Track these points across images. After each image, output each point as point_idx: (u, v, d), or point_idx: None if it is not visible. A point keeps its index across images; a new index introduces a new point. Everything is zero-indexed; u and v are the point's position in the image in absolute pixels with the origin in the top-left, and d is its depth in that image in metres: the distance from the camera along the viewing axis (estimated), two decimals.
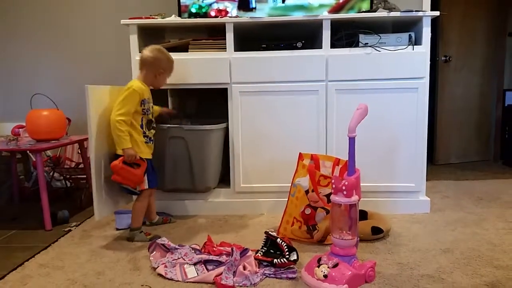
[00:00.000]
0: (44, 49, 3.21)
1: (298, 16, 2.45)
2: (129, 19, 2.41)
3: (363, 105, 1.63)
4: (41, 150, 2.38)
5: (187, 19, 2.58)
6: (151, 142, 2.16)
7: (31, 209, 2.70)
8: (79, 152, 2.99)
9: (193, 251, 1.86)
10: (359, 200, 1.61)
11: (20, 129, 2.74)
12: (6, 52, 3.23)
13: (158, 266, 1.75)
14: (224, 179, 2.60)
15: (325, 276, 1.52)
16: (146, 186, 2.10)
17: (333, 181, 1.61)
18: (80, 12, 3.15)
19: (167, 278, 1.67)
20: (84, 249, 2.02)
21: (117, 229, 2.27)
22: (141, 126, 2.09)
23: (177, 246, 1.88)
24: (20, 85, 3.23)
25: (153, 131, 2.17)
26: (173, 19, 2.48)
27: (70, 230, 2.29)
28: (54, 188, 3.00)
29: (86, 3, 3.13)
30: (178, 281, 1.66)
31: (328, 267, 1.54)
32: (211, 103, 2.80)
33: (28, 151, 2.97)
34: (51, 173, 3.01)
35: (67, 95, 2.79)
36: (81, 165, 2.95)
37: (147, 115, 2.11)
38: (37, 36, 3.20)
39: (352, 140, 1.62)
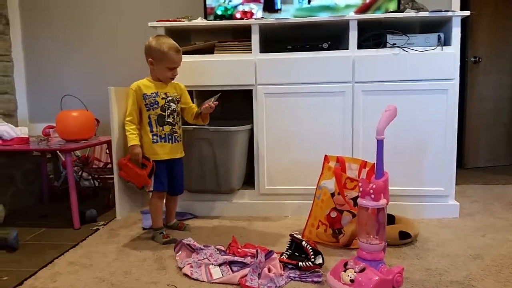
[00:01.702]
0: (74, 51, 3.29)
1: (324, 16, 2.43)
2: (157, 21, 2.45)
3: (391, 107, 1.60)
4: (70, 150, 2.43)
5: (213, 21, 2.59)
6: (166, 141, 2.09)
7: (60, 208, 2.76)
8: (107, 152, 3.05)
9: (218, 252, 1.87)
10: (387, 204, 1.58)
11: (51, 130, 2.81)
12: (37, 55, 3.32)
13: (184, 266, 1.76)
14: (249, 181, 2.60)
15: (352, 280, 1.50)
16: (151, 188, 2.09)
17: (360, 184, 1.58)
18: (109, 14, 3.21)
19: (193, 278, 1.68)
20: (112, 247, 2.05)
21: (144, 229, 2.30)
22: (149, 124, 2.07)
23: (202, 247, 1.89)
24: (50, 86, 3.32)
25: (169, 127, 2.10)
26: (199, 21, 2.50)
27: (98, 229, 2.33)
28: (82, 188, 3.06)
29: (115, 5, 3.20)
30: (203, 281, 1.67)
31: (354, 272, 1.51)
32: (235, 104, 2.81)
33: (58, 151, 3.05)
34: (79, 173, 3.08)
35: (96, 96, 2.84)
36: (109, 165, 3.00)
37: (154, 110, 2.07)
38: (67, 38, 3.28)
39: (380, 143, 1.59)
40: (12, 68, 3.29)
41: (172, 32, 2.50)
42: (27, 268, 1.83)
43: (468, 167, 3.83)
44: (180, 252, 1.89)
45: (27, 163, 2.93)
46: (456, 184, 2.44)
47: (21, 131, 2.61)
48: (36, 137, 2.76)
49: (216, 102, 2.15)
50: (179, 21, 2.49)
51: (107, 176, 3.05)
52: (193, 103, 2.48)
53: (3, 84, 3.18)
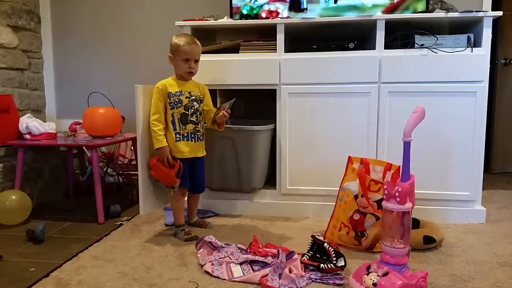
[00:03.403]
0: (101, 49, 3.35)
1: (351, 16, 2.40)
2: (183, 20, 2.47)
3: (420, 108, 1.57)
4: (96, 146, 2.48)
5: (238, 20, 2.60)
6: (189, 139, 2.11)
7: (85, 203, 2.82)
8: (132, 149, 3.10)
9: (239, 250, 1.87)
10: (412, 208, 1.55)
11: (77, 126, 2.86)
12: (66, 52, 3.40)
13: (205, 264, 1.77)
14: (270, 180, 2.60)
15: (374, 284, 1.47)
16: (177, 187, 2.12)
17: (385, 186, 1.56)
18: (137, 12, 3.26)
19: (214, 276, 1.69)
20: (135, 243, 2.08)
21: (166, 225, 2.33)
22: (173, 122, 2.09)
23: (223, 245, 1.90)
24: (78, 83, 3.39)
25: (192, 126, 2.12)
26: (225, 20, 2.51)
27: (121, 224, 2.37)
28: (107, 183, 3.12)
29: (143, 4, 3.24)
30: (224, 279, 1.67)
31: (377, 276, 1.49)
32: (257, 103, 2.82)
33: (84, 147, 3.11)
34: (104, 169, 3.14)
35: (122, 94, 2.89)
36: (134, 162, 3.04)
37: (177, 109, 2.09)
38: (96, 37, 3.34)
39: (407, 145, 1.56)
40: (42, 65, 3.37)
41: (198, 31, 2.51)
42: (53, 261, 1.88)
43: (495, 171, 3.74)
44: (202, 249, 1.90)
45: (55, 158, 3.00)
46: (483, 189, 2.38)
47: (49, 127, 2.68)
48: (63, 133, 2.82)
49: (229, 111, 2.15)
50: (205, 20, 2.50)
51: (131, 172, 3.10)
52: (217, 100, 2.50)
53: (33, 80, 3.27)
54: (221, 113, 2.13)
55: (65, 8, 3.35)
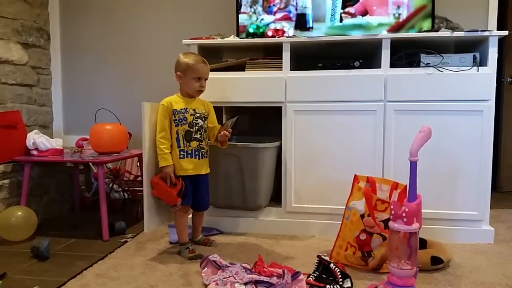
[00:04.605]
0: (109, 67, 3.38)
1: (356, 35, 2.41)
2: (190, 39, 2.50)
3: (426, 128, 1.56)
4: (103, 162, 2.49)
5: (245, 39, 2.63)
6: (193, 156, 2.12)
7: (90, 219, 2.82)
8: (138, 165, 3.11)
9: (244, 270, 1.85)
10: (419, 228, 1.53)
11: (84, 142, 2.88)
12: (74, 69, 3.44)
13: (209, 283, 1.76)
14: (275, 198, 2.58)
15: None
16: (180, 206, 2.11)
17: (392, 206, 1.55)
18: (144, 30, 3.30)
19: None
20: (139, 261, 2.07)
21: (171, 243, 2.31)
22: (177, 139, 2.11)
23: (228, 264, 1.88)
24: (85, 100, 3.42)
25: (196, 143, 2.13)
26: (232, 39, 2.53)
27: (126, 241, 2.36)
28: (112, 199, 3.12)
29: (150, 23, 3.28)
30: None
31: None
32: (263, 121, 2.82)
33: (90, 163, 3.12)
34: (110, 185, 3.14)
35: (129, 110, 2.91)
36: (139, 178, 3.05)
37: (182, 126, 2.10)
38: (103, 54, 3.38)
39: (413, 165, 1.55)
40: (50, 81, 3.41)
41: (205, 49, 2.54)
42: (57, 278, 1.87)
43: (503, 190, 3.69)
44: (206, 268, 1.88)
45: (61, 173, 3.01)
46: (490, 208, 2.35)
47: (56, 143, 2.69)
48: (70, 149, 2.84)
49: (231, 130, 2.16)
50: (212, 38, 2.53)
51: (136, 188, 3.10)
52: (222, 117, 2.51)
53: (42, 96, 3.30)
54: (222, 133, 2.14)
55: (74, 25, 3.40)
